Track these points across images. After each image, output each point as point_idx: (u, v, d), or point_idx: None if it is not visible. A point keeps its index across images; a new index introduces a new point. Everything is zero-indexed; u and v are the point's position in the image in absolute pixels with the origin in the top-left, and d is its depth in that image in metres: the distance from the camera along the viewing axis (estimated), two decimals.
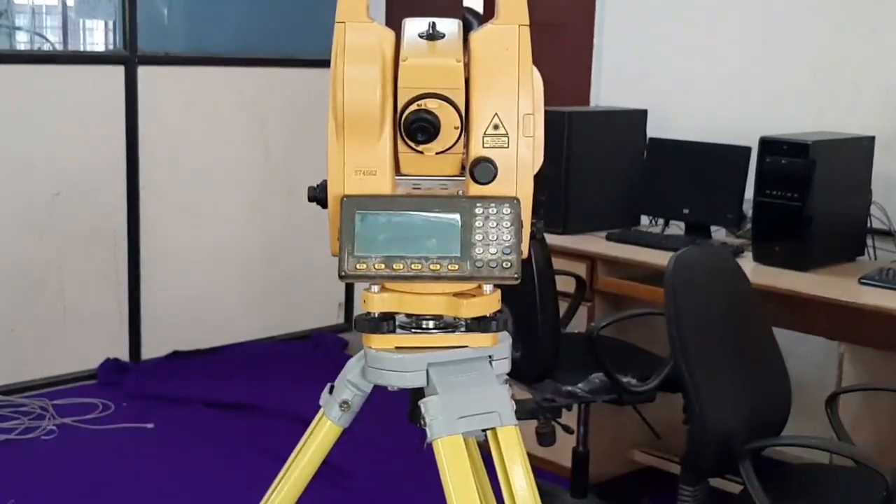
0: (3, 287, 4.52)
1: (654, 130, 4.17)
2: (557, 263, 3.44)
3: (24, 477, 3.79)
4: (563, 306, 3.56)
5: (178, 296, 4.99)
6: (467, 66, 1.55)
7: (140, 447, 4.10)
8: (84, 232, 4.70)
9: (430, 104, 1.51)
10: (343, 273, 1.53)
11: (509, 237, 1.53)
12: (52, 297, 4.65)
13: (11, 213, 4.50)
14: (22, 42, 5.60)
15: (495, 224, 1.53)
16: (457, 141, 1.54)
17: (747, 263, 3.47)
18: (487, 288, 1.59)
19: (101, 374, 4.74)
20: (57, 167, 4.60)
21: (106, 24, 5.54)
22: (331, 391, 1.72)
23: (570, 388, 3.27)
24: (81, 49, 5.60)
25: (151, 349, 4.93)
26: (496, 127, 1.54)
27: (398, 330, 1.62)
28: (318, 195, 1.60)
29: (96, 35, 5.78)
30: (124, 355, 4.86)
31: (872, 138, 3.63)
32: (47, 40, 5.67)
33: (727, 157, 3.87)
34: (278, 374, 4.83)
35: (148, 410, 4.40)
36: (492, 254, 1.53)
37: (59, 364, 4.66)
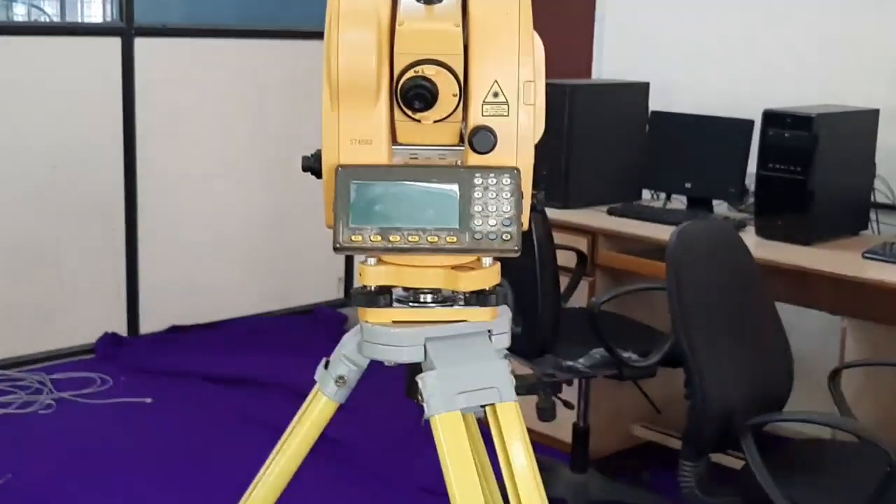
0: (0, 261, 4.49)
1: (656, 104, 4.13)
2: (558, 238, 3.41)
3: (21, 451, 3.77)
4: (564, 281, 3.53)
5: (177, 270, 4.96)
6: (466, 31, 1.51)
7: (138, 421, 4.09)
8: (81, 205, 4.67)
9: (428, 70, 1.47)
10: (338, 245, 1.49)
11: (509, 208, 1.49)
12: (49, 271, 4.62)
13: (8, 187, 4.47)
14: (19, 14, 5.56)
15: (495, 195, 1.49)
16: (455, 109, 1.50)
17: (750, 237, 3.44)
18: (487, 261, 1.56)
19: (99, 349, 4.72)
20: (53, 140, 4.56)
21: None
22: (326, 366, 1.70)
23: (570, 363, 3.25)
24: (79, 21, 5.56)
25: (150, 323, 4.90)
26: (496, 94, 1.51)
27: (395, 304, 1.59)
28: (313, 165, 1.56)
29: (93, 7, 5.74)
30: (122, 329, 4.84)
31: (877, 111, 3.59)
32: (44, 12, 5.63)
33: (730, 131, 3.83)
34: (277, 348, 4.81)
35: (146, 385, 4.38)
36: (491, 226, 1.49)
37: (57, 338, 4.64)
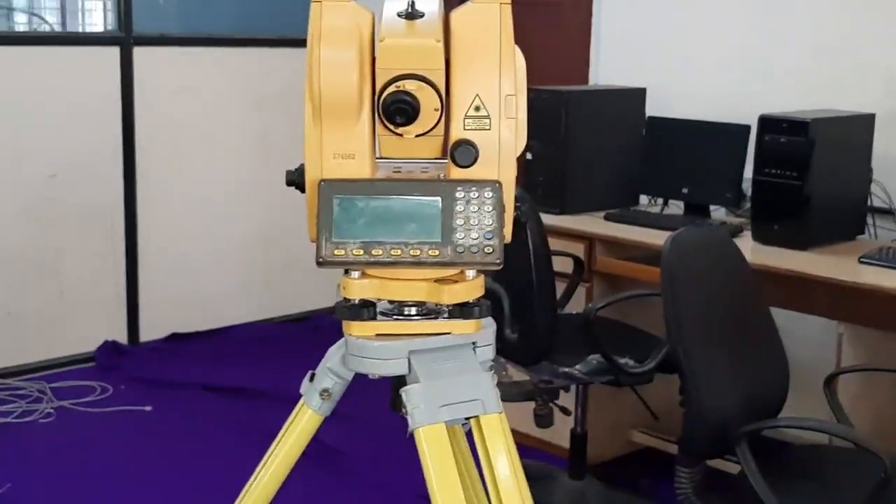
0: (0, 270, 4.50)
1: (652, 109, 4.13)
2: (555, 244, 3.42)
3: (21, 460, 3.78)
4: (561, 287, 3.53)
5: (177, 278, 4.97)
6: (447, 46, 1.51)
7: (138, 430, 4.09)
8: (81, 214, 4.68)
9: (409, 85, 1.48)
10: (321, 259, 1.50)
11: (491, 221, 1.50)
12: (49, 280, 4.63)
13: (8, 195, 4.49)
14: (20, 23, 5.57)
15: (477, 208, 1.50)
16: (437, 123, 1.51)
17: (746, 243, 3.45)
18: (470, 273, 1.56)
19: (99, 357, 4.73)
20: (53, 149, 4.57)
21: (105, 5, 5.51)
22: (311, 379, 1.70)
23: (567, 369, 3.25)
24: (80, 30, 5.57)
25: (149, 332, 4.91)
26: (477, 108, 1.51)
27: (379, 317, 1.59)
28: (296, 179, 1.57)
29: (95, 16, 5.75)
30: (122, 338, 4.85)
31: (872, 116, 3.58)
32: (45, 21, 5.64)
33: (726, 136, 3.83)
34: (277, 355, 4.81)
35: (146, 393, 4.39)
36: (473, 239, 1.50)
37: (56, 347, 4.65)
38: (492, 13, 1.51)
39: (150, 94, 4.78)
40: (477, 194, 1.50)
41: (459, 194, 1.50)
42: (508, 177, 1.53)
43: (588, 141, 3.96)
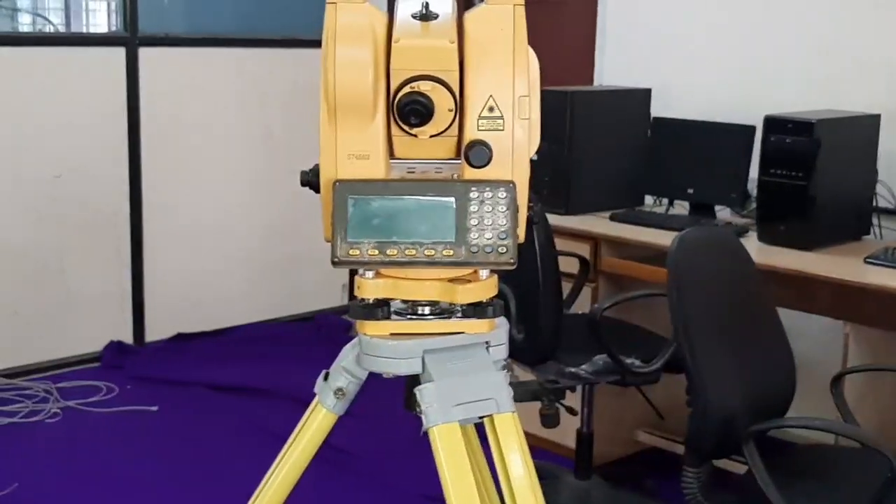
0: (6, 270, 4.51)
1: (658, 110, 4.13)
2: (560, 244, 3.42)
3: (28, 460, 3.79)
4: (567, 287, 3.54)
5: (182, 278, 4.98)
6: (461, 47, 1.52)
7: (144, 430, 4.10)
8: (86, 214, 4.69)
9: (424, 86, 1.49)
10: (336, 259, 1.51)
11: (505, 221, 1.51)
12: (54, 280, 4.64)
13: (13, 196, 4.49)
14: (24, 24, 5.57)
15: (490, 208, 1.51)
16: (451, 124, 1.52)
17: (752, 243, 3.45)
18: (483, 273, 1.57)
19: (104, 357, 4.74)
20: (58, 149, 4.58)
21: (109, 6, 5.52)
22: (325, 378, 1.71)
23: (573, 369, 3.25)
24: (84, 31, 5.58)
25: (155, 331, 4.92)
26: (491, 109, 1.52)
27: (393, 316, 1.60)
28: (311, 179, 1.58)
29: (99, 16, 5.76)
30: (128, 338, 4.86)
31: (878, 116, 3.59)
32: (50, 22, 5.65)
33: (731, 137, 3.84)
34: (282, 355, 4.82)
35: (152, 393, 4.40)
36: (487, 239, 1.51)
37: (62, 347, 4.66)
38: (505, 14, 1.52)
39: (156, 94, 4.79)
40: (491, 195, 1.51)
41: (473, 195, 1.51)
42: (522, 177, 1.54)
43: (593, 141, 3.96)
